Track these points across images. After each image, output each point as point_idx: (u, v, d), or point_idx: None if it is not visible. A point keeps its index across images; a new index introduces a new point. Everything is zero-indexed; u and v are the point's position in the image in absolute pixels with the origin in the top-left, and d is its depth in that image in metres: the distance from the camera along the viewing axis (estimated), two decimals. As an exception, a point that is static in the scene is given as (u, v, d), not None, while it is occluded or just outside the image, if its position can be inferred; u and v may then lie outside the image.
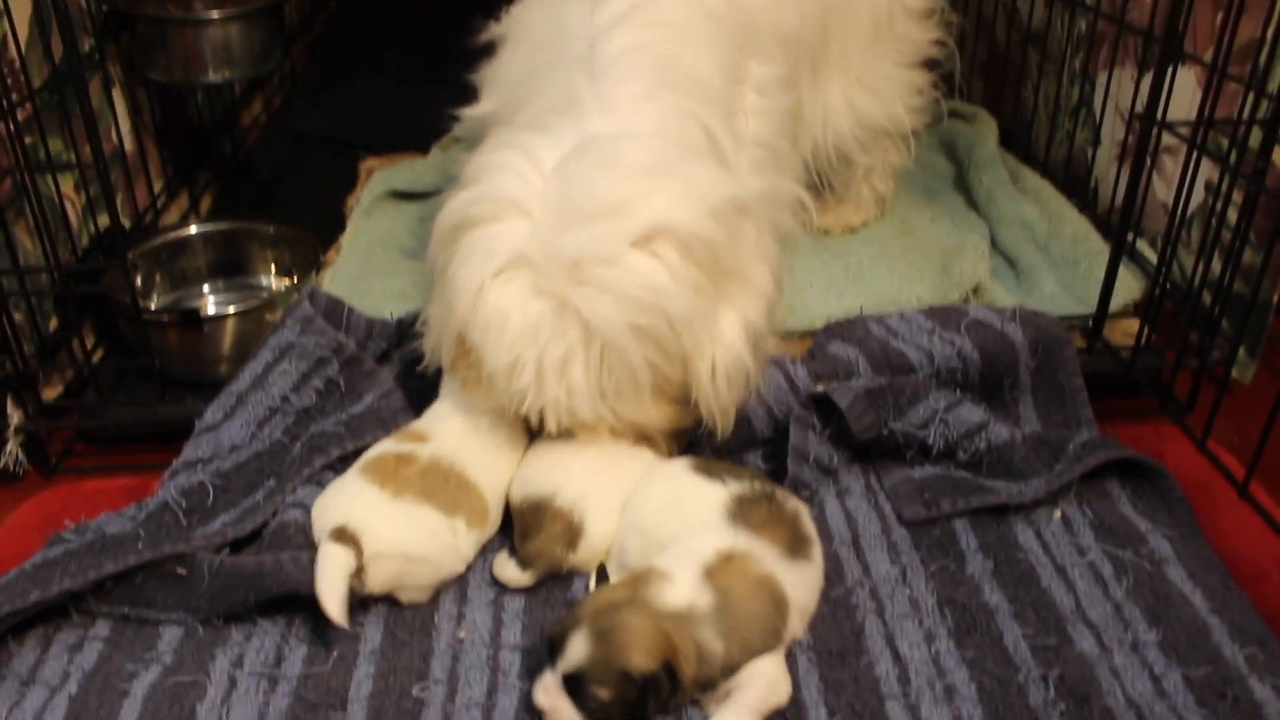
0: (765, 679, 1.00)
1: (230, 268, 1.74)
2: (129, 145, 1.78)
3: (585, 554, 1.15)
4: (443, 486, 1.16)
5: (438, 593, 1.15)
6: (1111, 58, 1.71)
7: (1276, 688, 0.99)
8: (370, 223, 1.86)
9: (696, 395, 1.20)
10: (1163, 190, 1.59)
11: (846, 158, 1.69)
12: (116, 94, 1.75)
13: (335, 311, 1.42)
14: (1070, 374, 1.35)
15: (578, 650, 0.95)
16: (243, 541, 1.18)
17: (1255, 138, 1.30)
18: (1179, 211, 1.38)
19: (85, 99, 1.33)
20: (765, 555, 1.05)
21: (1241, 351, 1.41)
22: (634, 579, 1.02)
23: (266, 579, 1.08)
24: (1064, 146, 1.90)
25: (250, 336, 1.49)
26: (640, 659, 0.94)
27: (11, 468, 1.40)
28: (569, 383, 1.12)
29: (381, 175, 2.00)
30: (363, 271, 1.70)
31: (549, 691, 0.97)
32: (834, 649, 1.07)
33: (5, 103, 1.33)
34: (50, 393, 1.49)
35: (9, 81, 1.38)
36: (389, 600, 1.14)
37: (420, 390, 1.30)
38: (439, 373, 1.26)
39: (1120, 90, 1.70)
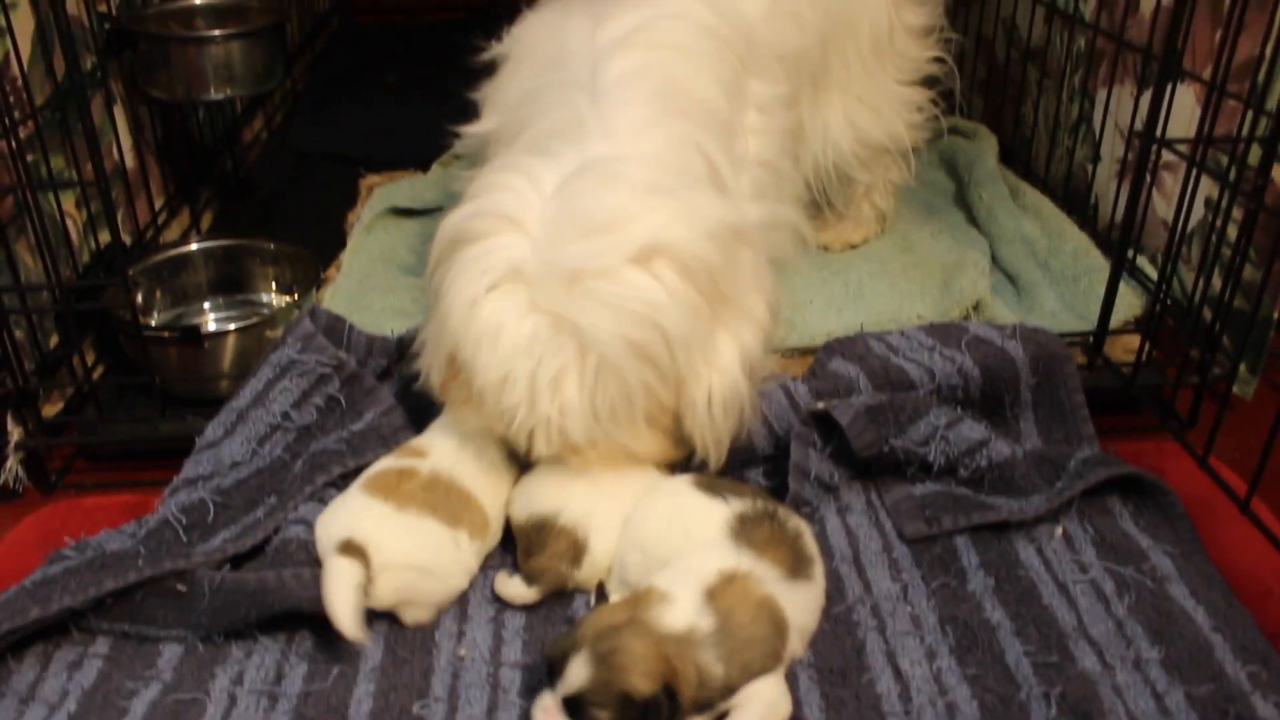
0: (764, 700, 0.99)
1: (231, 284, 1.74)
2: (130, 162, 1.78)
3: (589, 571, 1.15)
4: (444, 499, 1.16)
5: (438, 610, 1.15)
6: (1111, 75, 1.72)
7: (1279, 706, 0.99)
8: (371, 240, 1.86)
9: (690, 424, 1.19)
10: (1163, 207, 1.59)
11: (847, 175, 1.69)
12: (118, 111, 1.76)
13: (336, 329, 1.42)
14: (1071, 390, 1.35)
15: (578, 673, 0.95)
16: (243, 558, 1.17)
17: (1255, 155, 1.30)
18: (1179, 228, 1.38)
19: (87, 116, 1.34)
20: (766, 577, 1.04)
21: (1242, 368, 1.41)
22: (634, 599, 1.02)
23: (268, 595, 1.08)
24: (1064, 163, 1.90)
25: (251, 353, 1.49)
26: (641, 682, 0.94)
27: (11, 484, 1.40)
28: (562, 401, 1.10)
29: (382, 192, 2.00)
30: (363, 288, 1.70)
31: (548, 713, 0.96)
32: (835, 666, 1.06)
33: (8, 120, 1.33)
34: (50, 409, 1.49)
35: (11, 99, 1.38)
36: (390, 618, 1.13)
37: (420, 407, 1.30)
38: (438, 391, 1.26)
39: (1120, 107, 1.71)
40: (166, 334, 1.54)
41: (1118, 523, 1.22)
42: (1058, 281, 1.65)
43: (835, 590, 1.15)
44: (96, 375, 1.57)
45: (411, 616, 1.13)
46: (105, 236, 1.65)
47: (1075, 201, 1.84)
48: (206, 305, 1.73)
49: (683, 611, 0.99)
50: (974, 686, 1.03)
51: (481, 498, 1.19)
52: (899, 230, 1.84)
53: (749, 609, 1.01)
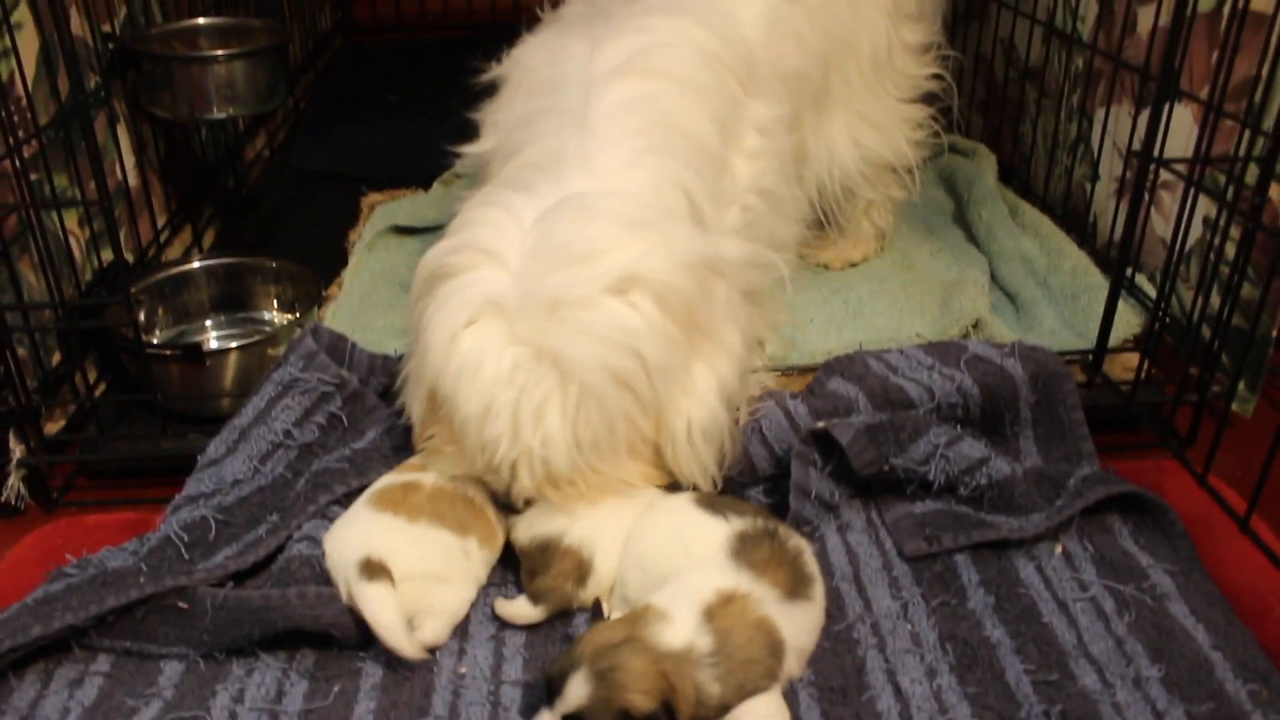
0: (760, 718, 0.99)
1: (233, 302, 1.75)
2: (133, 180, 1.79)
3: (594, 590, 1.15)
4: (451, 509, 1.16)
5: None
6: (1109, 94, 1.73)
7: (1280, 724, 0.99)
8: (372, 258, 1.87)
9: (670, 456, 1.19)
10: (1161, 225, 1.60)
11: (852, 192, 1.70)
12: (121, 130, 1.77)
13: (338, 347, 1.42)
14: (1070, 409, 1.35)
15: (577, 690, 0.95)
16: (244, 575, 1.18)
17: (1252, 174, 1.31)
18: (1177, 247, 1.39)
19: (91, 135, 1.34)
20: (765, 598, 1.04)
21: (1241, 385, 1.41)
22: (633, 617, 1.02)
23: (272, 613, 1.08)
24: (1062, 182, 1.91)
25: (252, 371, 1.49)
26: (640, 700, 0.94)
27: (13, 502, 1.40)
28: (544, 431, 1.10)
29: (383, 210, 2.01)
30: (364, 306, 1.71)
31: (548, 730, 0.97)
32: (835, 685, 1.06)
33: (12, 139, 1.34)
34: (52, 427, 1.49)
35: (15, 118, 1.39)
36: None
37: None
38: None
39: (1118, 126, 1.72)
40: (168, 352, 1.54)
41: (1117, 541, 1.22)
42: (1057, 300, 1.65)
43: (835, 608, 1.15)
44: (98, 393, 1.57)
45: (431, 631, 1.11)
46: (108, 254, 1.66)
47: (1074, 220, 1.84)
48: (208, 323, 1.74)
49: (681, 629, 0.99)
50: (974, 705, 1.03)
51: (486, 507, 1.19)
52: (898, 248, 1.85)
53: (746, 630, 1.01)
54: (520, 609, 1.14)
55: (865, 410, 1.32)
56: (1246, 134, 1.32)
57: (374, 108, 2.66)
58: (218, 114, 1.85)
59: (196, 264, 1.73)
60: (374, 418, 1.35)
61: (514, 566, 1.21)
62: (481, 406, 1.10)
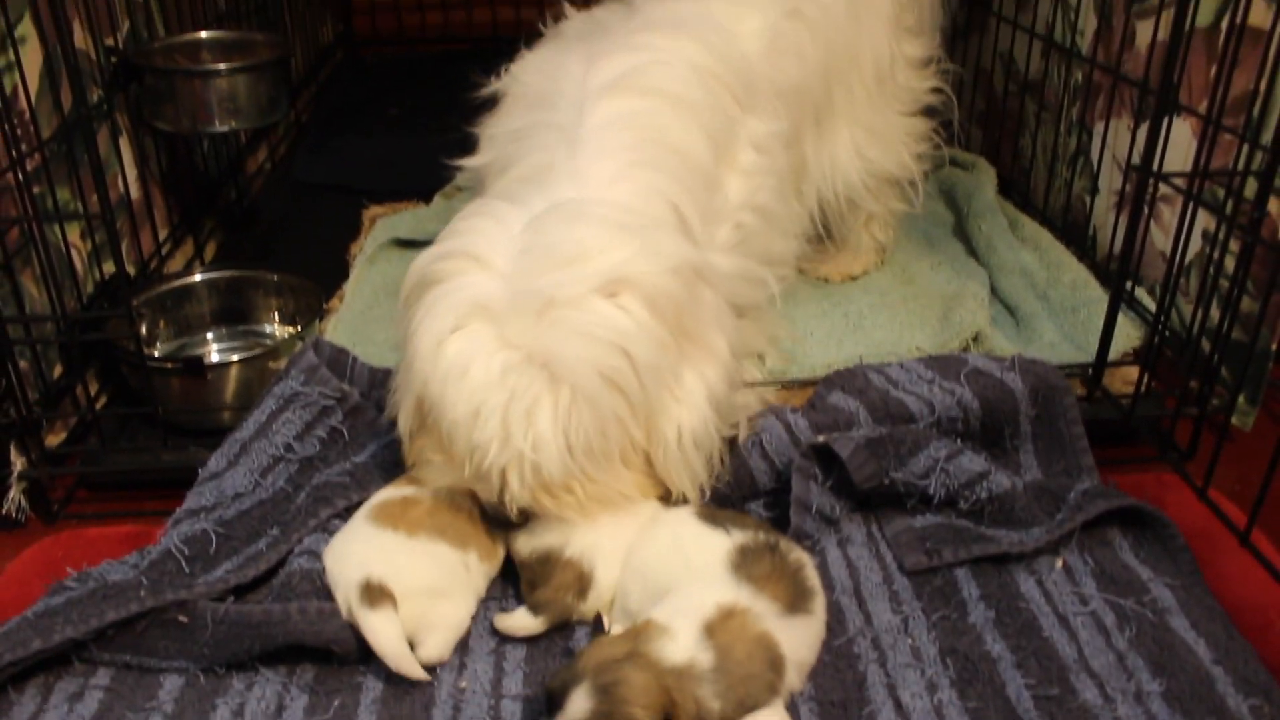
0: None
1: (234, 315, 1.75)
2: (135, 193, 1.80)
3: (595, 602, 1.15)
4: (451, 522, 1.16)
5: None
6: (1108, 108, 1.73)
7: (1281, 739, 0.99)
8: (373, 271, 1.88)
9: (661, 463, 1.18)
10: (1160, 239, 1.60)
11: (853, 205, 1.70)
12: (123, 143, 1.77)
13: (339, 361, 1.42)
14: (1070, 422, 1.35)
15: (579, 705, 0.95)
16: (245, 588, 1.18)
17: (1251, 188, 1.31)
18: (1177, 260, 1.39)
19: (93, 149, 1.35)
20: (765, 613, 1.04)
21: (1241, 399, 1.41)
22: (635, 632, 1.02)
23: (273, 628, 1.08)
24: (1062, 195, 1.91)
25: (253, 384, 1.49)
26: (642, 715, 0.94)
27: (14, 514, 1.40)
28: (535, 434, 1.08)
29: (384, 223, 2.01)
30: (365, 320, 1.71)
31: (550, 744, 0.97)
32: (836, 699, 1.06)
33: (15, 153, 1.35)
34: (53, 439, 1.50)
35: (19, 132, 1.40)
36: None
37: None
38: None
39: (1117, 140, 1.72)
40: (170, 365, 1.54)
41: (1118, 555, 1.22)
42: (1057, 313, 1.65)
43: (836, 622, 1.15)
44: (100, 405, 1.57)
45: (433, 647, 1.11)
46: (110, 267, 1.66)
47: (1074, 233, 1.85)
48: (209, 336, 1.74)
49: (683, 645, 0.99)
50: (975, 719, 1.03)
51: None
52: (898, 262, 1.85)
53: (746, 645, 1.01)
54: (520, 620, 1.14)
55: (866, 424, 1.32)
56: (1245, 148, 1.32)
57: (375, 121, 2.67)
58: (220, 127, 1.86)
59: (198, 277, 1.73)
60: (375, 431, 1.35)
61: (514, 579, 1.21)
62: (470, 410, 1.09)
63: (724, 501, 1.28)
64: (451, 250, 1.15)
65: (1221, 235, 1.36)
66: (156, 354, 1.66)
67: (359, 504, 1.22)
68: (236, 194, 2.26)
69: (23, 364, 1.42)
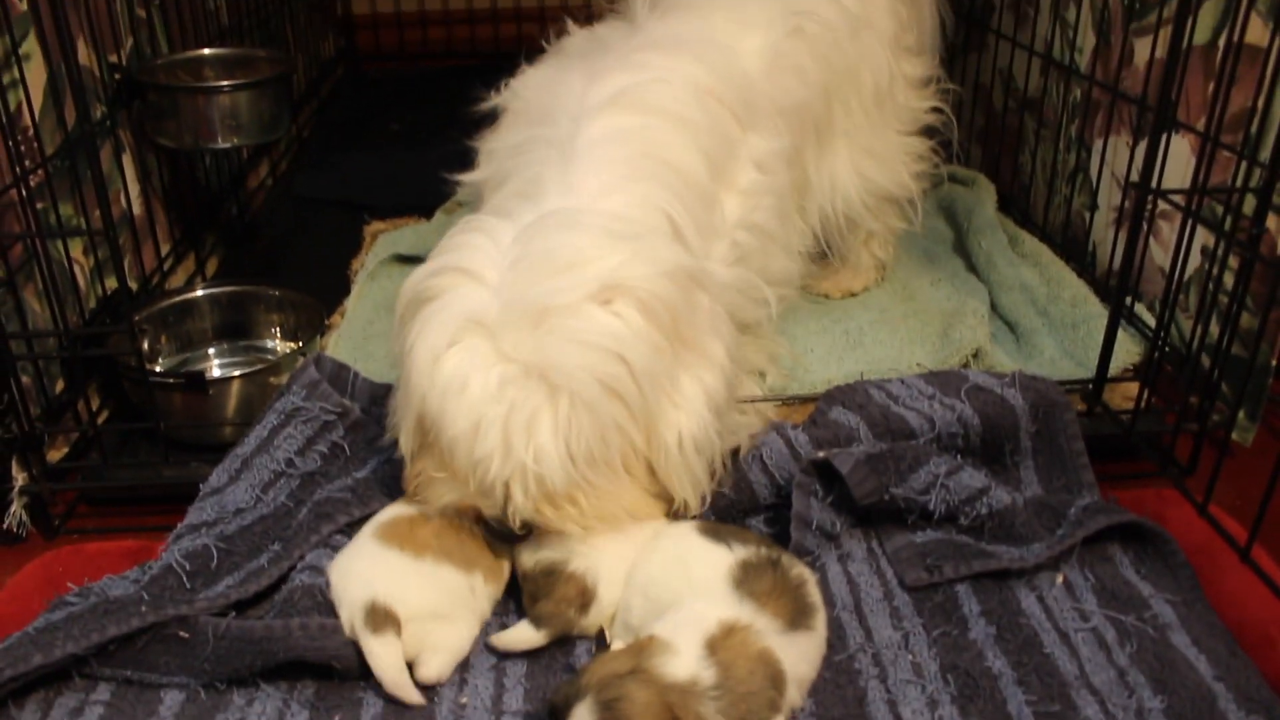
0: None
1: (236, 330, 1.75)
2: (137, 209, 1.80)
3: (597, 618, 1.15)
4: (458, 544, 1.16)
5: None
6: (1107, 125, 1.74)
7: (1282, 756, 0.99)
8: (374, 286, 1.88)
9: (663, 469, 1.18)
10: (1160, 255, 1.61)
11: (853, 223, 1.71)
12: (126, 159, 1.78)
13: (340, 376, 1.43)
14: (1070, 438, 1.35)
15: (582, 720, 0.95)
16: (246, 603, 1.18)
17: (1249, 204, 1.31)
18: (1176, 277, 1.39)
19: (96, 165, 1.35)
20: (766, 629, 1.04)
21: (1241, 414, 1.41)
22: (638, 648, 1.02)
23: (274, 644, 1.08)
24: (1062, 211, 1.92)
25: (255, 399, 1.49)
26: (645, 731, 0.94)
27: (15, 529, 1.40)
28: (536, 447, 1.08)
29: (386, 239, 2.02)
30: (367, 335, 1.72)
31: (551, 759, 0.96)
32: (837, 715, 1.06)
33: (18, 169, 1.35)
34: (55, 454, 1.50)
35: (22, 148, 1.40)
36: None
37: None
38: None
39: (1116, 156, 1.73)
40: (171, 380, 1.55)
41: (1119, 571, 1.22)
42: (1057, 329, 1.66)
43: (837, 638, 1.15)
44: (101, 420, 1.58)
45: (433, 668, 1.11)
46: (112, 282, 1.67)
47: (1073, 249, 1.85)
48: (211, 351, 1.74)
49: (685, 662, 0.99)
50: (976, 736, 1.03)
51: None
52: (899, 278, 1.86)
53: (748, 662, 1.01)
54: (522, 633, 1.14)
55: (866, 439, 1.32)
56: (1244, 165, 1.33)
57: (377, 136, 2.68)
58: (222, 143, 1.87)
59: (200, 292, 1.74)
60: (376, 447, 1.35)
61: (515, 594, 1.21)
62: (470, 424, 1.09)
63: (725, 516, 1.28)
64: (443, 266, 1.15)
65: (1220, 252, 1.36)
66: (158, 369, 1.67)
67: (361, 520, 1.22)
68: (238, 209, 2.27)
69: (25, 379, 1.42)
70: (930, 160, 1.75)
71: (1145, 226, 1.43)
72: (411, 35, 3.23)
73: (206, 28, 2.15)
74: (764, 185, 1.41)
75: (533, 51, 1.52)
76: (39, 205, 1.44)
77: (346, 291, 1.86)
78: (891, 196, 1.71)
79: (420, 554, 1.14)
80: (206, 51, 1.98)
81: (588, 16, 1.57)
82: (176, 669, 1.11)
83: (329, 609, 1.12)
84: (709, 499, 1.24)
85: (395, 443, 1.24)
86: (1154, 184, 1.37)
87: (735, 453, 1.30)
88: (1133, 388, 1.48)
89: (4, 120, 1.34)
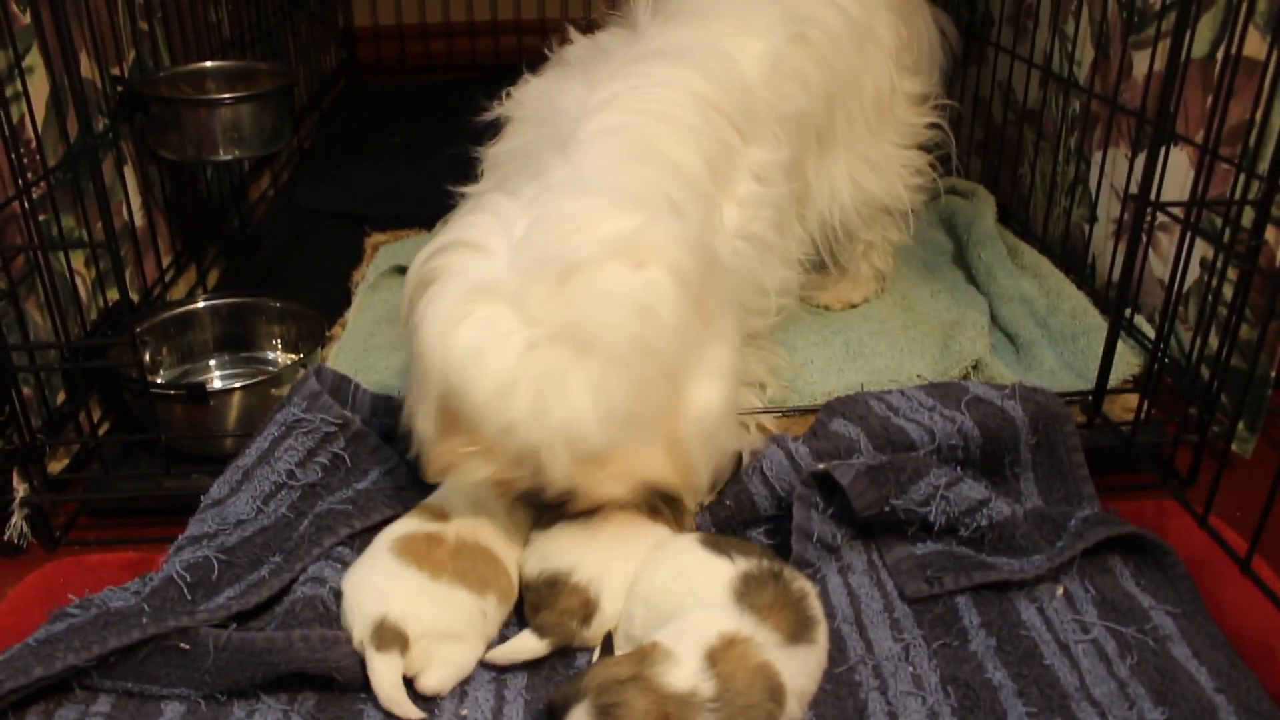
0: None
1: (237, 342, 1.76)
2: (139, 221, 1.81)
3: (599, 630, 1.15)
4: (473, 566, 1.16)
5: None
6: (1105, 137, 1.75)
7: (1283, 768, 0.99)
8: (376, 298, 1.88)
9: (685, 436, 1.15)
10: (1159, 267, 1.61)
11: (851, 233, 1.71)
12: (128, 171, 1.78)
13: (341, 388, 1.43)
14: (1070, 450, 1.35)
15: (579, 723, 0.95)
16: (247, 615, 1.18)
17: (1248, 217, 1.32)
18: (1175, 289, 1.40)
19: (98, 177, 1.36)
20: (766, 643, 1.04)
21: (1241, 426, 1.42)
22: (638, 655, 1.02)
23: (275, 656, 1.08)
24: (1061, 223, 1.92)
25: (256, 411, 1.49)
26: (643, 738, 0.94)
27: (16, 541, 1.40)
28: (572, 408, 1.04)
29: (387, 251, 2.02)
30: (367, 347, 1.72)
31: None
32: (838, 727, 1.06)
33: (21, 182, 1.36)
34: (55, 466, 1.50)
35: (25, 161, 1.41)
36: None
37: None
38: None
39: (1115, 169, 1.73)
40: (172, 391, 1.55)
41: (1119, 582, 1.22)
42: (1056, 340, 1.66)
43: (837, 650, 1.15)
44: (102, 432, 1.57)
45: (436, 679, 1.11)
46: (113, 294, 1.67)
47: (1073, 261, 1.86)
48: (212, 363, 1.74)
49: (685, 672, 0.99)
50: (977, 748, 1.03)
51: (506, 558, 1.19)
52: (899, 289, 1.86)
53: (747, 675, 1.01)
54: (524, 643, 1.14)
55: (866, 451, 1.32)
56: (1242, 177, 1.33)
57: (378, 148, 2.69)
58: (224, 156, 1.87)
59: (201, 304, 1.74)
60: (377, 458, 1.35)
61: (517, 606, 1.21)
62: (495, 389, 1.04)
63: (725, 528, 1.28)
64: (449, 243, 1.13)
65: (1219, 263, 1.36)
66: (159, 380, 1.67)
67: (362, 531, 1.22)
68: (239, 221, 2.27)
69: (26, 390, 1.42)
70: (927, 174, 1.75)
71: (1144, 239, 1.43)
72: (413, 48, 3.25)
73: (208, 40, 2.16)
74: (763, 197, 1.41)
75: (535, 62, 1.53)
76: (41, 217, 1.44)
77: (348, 303, 1.86)
78: (886, 207, 1.72)
79: (436, 575, 1.13)
80: (209, 64, 1.99)
81: (588, 26, 1.58)
82: (177, 680, 1.11)
83: (331, 621, 1.13)
84: (718, 484, 1.22)
85: (399, 454, 1.23)
86: (1153, 196, 1.37)
87: (736, 464, 1.30)
88: (1132, 399, 1.49)
89: (7, 132, 1.34)
